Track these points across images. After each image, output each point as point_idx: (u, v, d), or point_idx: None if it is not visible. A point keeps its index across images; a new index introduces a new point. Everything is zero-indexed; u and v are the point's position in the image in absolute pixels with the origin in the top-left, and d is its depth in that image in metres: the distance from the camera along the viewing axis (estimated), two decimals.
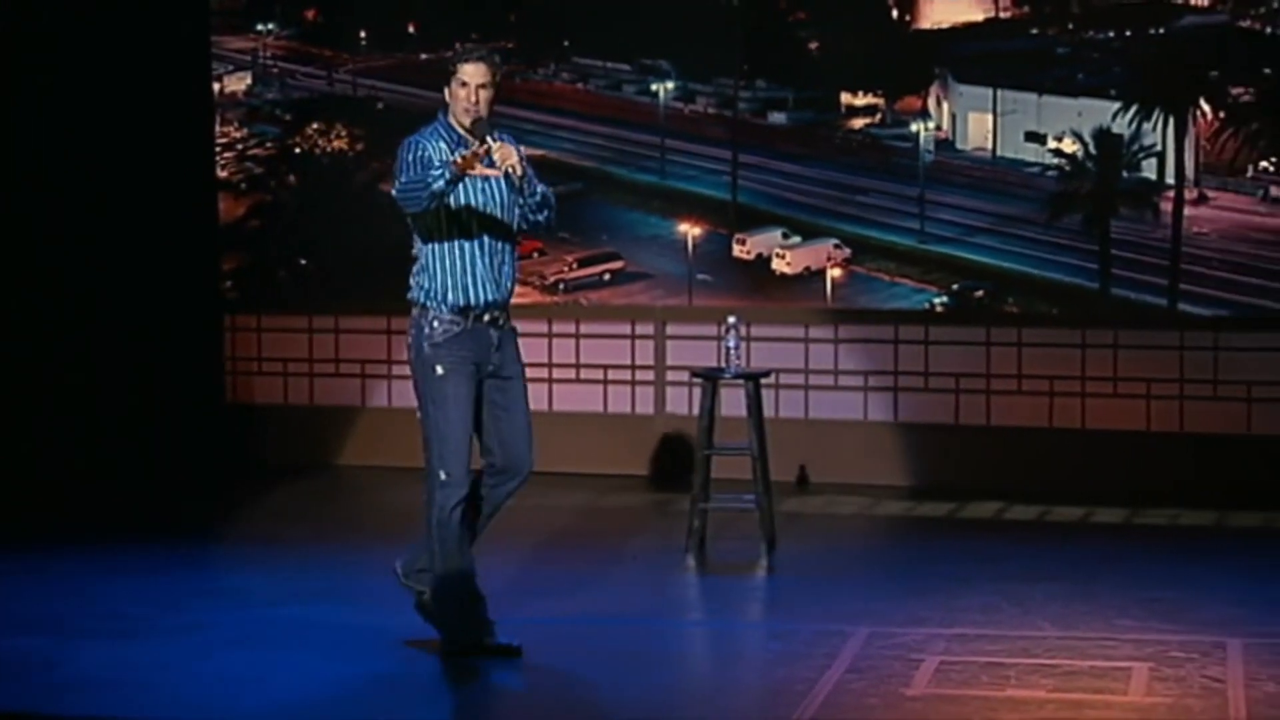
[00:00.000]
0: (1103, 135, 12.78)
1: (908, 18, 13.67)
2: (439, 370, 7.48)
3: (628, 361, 12.33)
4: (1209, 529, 10.61)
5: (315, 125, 13.29)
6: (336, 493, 11.85)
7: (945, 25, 13.89)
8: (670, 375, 12.20)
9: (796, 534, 10.18)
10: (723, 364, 10.02)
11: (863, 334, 12.08)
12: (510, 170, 7.28)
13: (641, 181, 15.07)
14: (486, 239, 7.49)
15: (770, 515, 9.78)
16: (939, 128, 14.06)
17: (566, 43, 13.74)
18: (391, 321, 12.66)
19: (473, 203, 7.46)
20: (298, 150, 13.26)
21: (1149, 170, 12.58)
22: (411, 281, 7.57)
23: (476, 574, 7.64)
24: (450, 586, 7.58)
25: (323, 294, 12.89)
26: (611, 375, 12.34)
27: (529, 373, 12.24)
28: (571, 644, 7.84)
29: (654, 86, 14.78)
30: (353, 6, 13.34)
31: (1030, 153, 13.36)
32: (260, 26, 13.42)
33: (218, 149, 12.98)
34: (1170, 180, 12.40)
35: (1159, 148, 12.56)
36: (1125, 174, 12.51)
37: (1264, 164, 13.06)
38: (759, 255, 13.19)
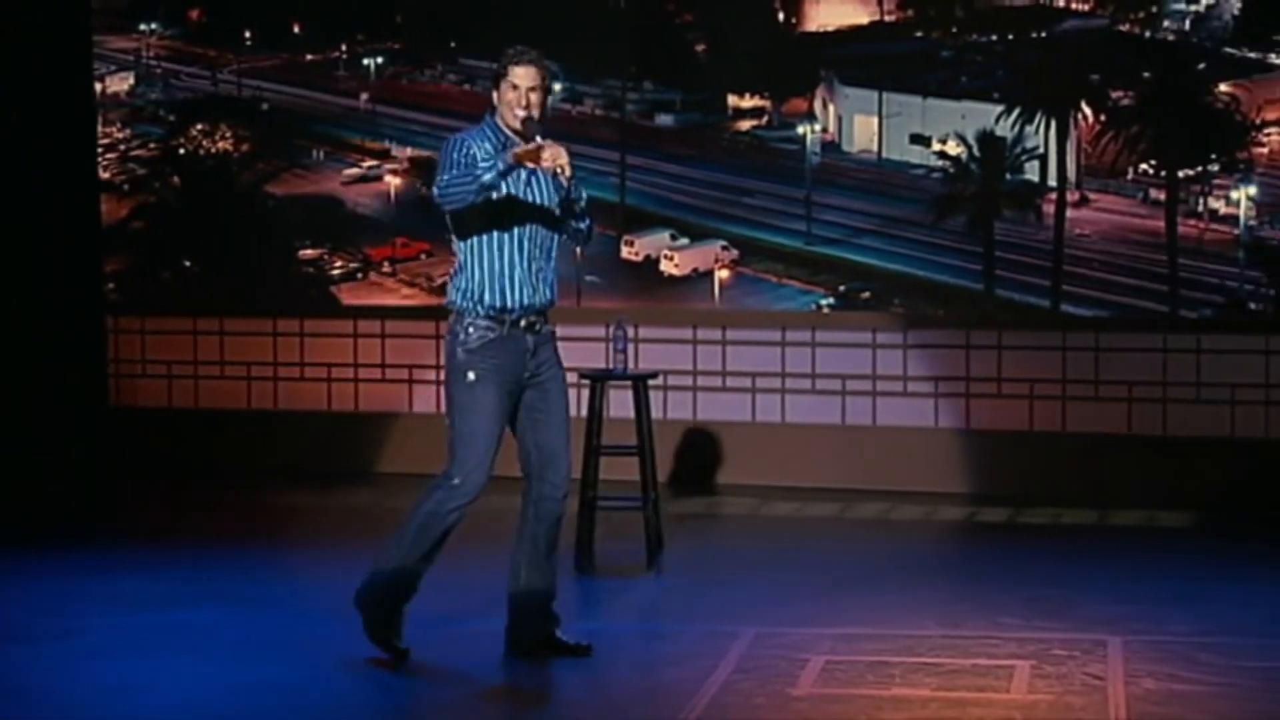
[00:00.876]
0: (986, 138, 12.89)
1: (793, 20, 13.74)
2: (470, 377, 7.35)
3: None
4: (1091, 528, 10.74)
5: (199, 126, 13.19)
6: (222, 496, 11.75)
7: (831, 28, 13.98)
8: None
9: (684, 535, 10.20)
10: (610, 365, 10.02)
11: (750, 336, 12.13)
12: (559, 171, 7.19)
13: None
14: (527, 243, 7.36)
15: (658, 517, 9.79)
16: (825, 130, 14.14)
17: (453, 44, 13.70)
18: (278, 324, 12.58)
19: (515, 205, 7.35)
20: (182, 151, 13.15)
21: (1032, 172, 12.72)
22: (449, 285, 7.46)
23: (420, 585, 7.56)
24: (396, 581, 7.47)
25: (207, 296, 12.80)
26: None
27: (414, 374, 12.29)
28: (457, 647, 7.81)
29: None
30: (237, 6, 13.25)
31: (915, 155, 13.45)
32: (143, 26, 13.30)
33: (100, 150, 12.84)
34: (1052, 182, 12.54)
35: (1041, 150, 12.70)
36: (1008, 176, 12.64)
37: (1144, 167, 13.22)
38: (647, 257, 13.21)
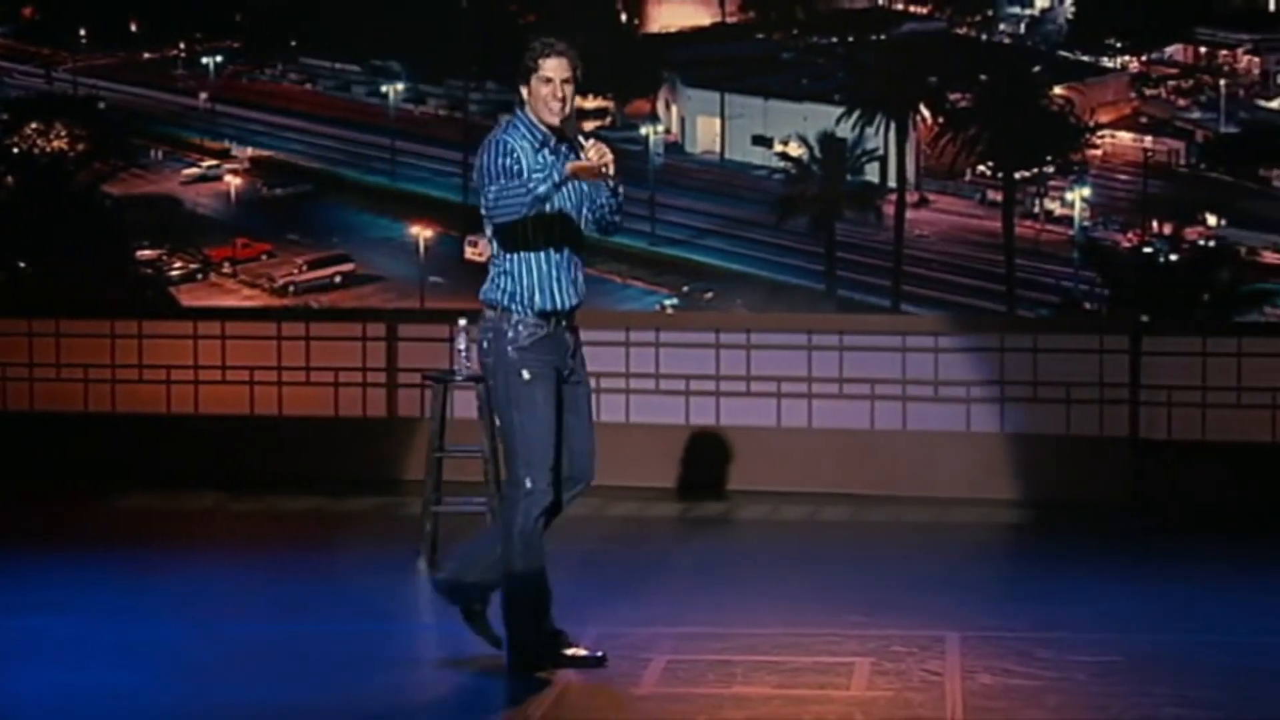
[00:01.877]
0: (827, 139, 12.99)
1: (636, 22, 13.78)
2: (525, 375, 7.23)
3: (359, 364, 12.23)
4: (931, 526, 10.86)
5: (34, 125, 13.00)
6: (60, 501, 11.57)
7: (673, 30, 14.03)
8: (402, 378, 12.12)
9: None
10: (454, 366, 9.98)
11: (595, 336, 12.08)
12: (605, 169, 7.11)
13: (372, 183, 15.04)
14: (567, 244, 7.27)
15: None
16: (668, 131, 14.18)
17: (294, 43, 13.60)
18: (115, 325, 12.42)
19: (562, 201, 7.24)
20: (15, 150, 12.96)
21: (872, 174, 12.87)
22: (490, 284, 7.30)
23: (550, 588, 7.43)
24: (527, 599, 7.33)
25: (43, 297, 12.60)
26: (342, 378, 12.23)
27: (256, 376, 12.19)
28: (304, 650, 7.76)
29: (384, 88, 14.70)
30: (72, 4, 13.05)
31: (757, 156, 13.52)
32: None
33: None
34: (892, 184, 12.67)
35: (881, 152, 12.83)
36: (849, 177, 12.77)
37: (981, 168, 13.41)
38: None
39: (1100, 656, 7.53)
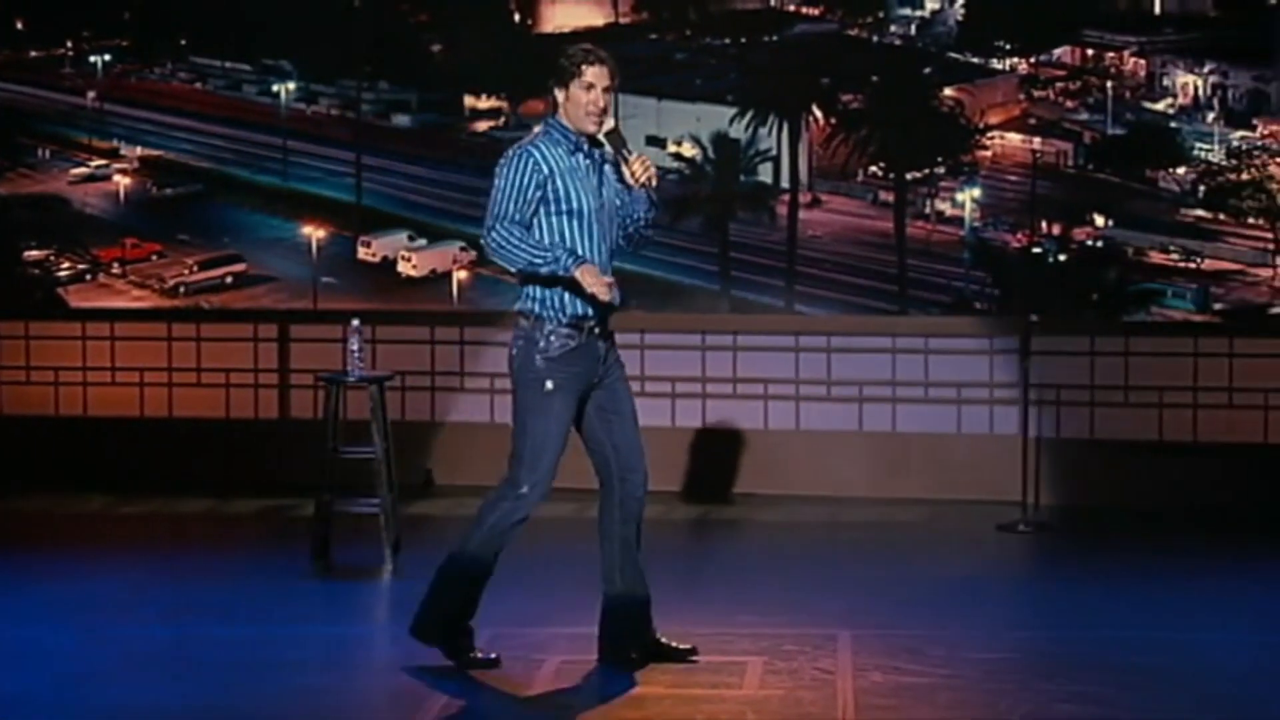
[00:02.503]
0: (720, 140, 13.03)
1: (530, 21, 13.77)
2: (549, 385, 7.19)
3: (251, 365, 12.15)
4: (824, 525, 10.92)
5: None
6: None
7: (567, 29, 14.03)
8: (294, 379, 12.06)
9: (424, 537, 10.15)
10: (347, 367, 9.93)
11: (489, 336, 12.12)
12: (648, 183, 7.10)
13: (263, 183, 14.92)
14: (604, 249, 7.20)
15: (395, 518, 9.74)
16: None
17: (184, 41, 13.48)
18: (1, 327, 12.28)
19: (590, 213, 7.16)
20: None
21: (765, 174, 12.91)
22: (521, 292, 7.23)
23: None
24: (463, 581, 7.35)
25: None
26: (234, 379, 12.15)
27: (146, 377, 12.09)
28: (195, 654, 7.71)
29: (275, 87, 14.62)
30: None
31: (651, 156, 13.50)
32: None
33: None
34: (785, 184, 12.72)
35: (774, 152, 12.89)
36: (743, 178, 12.79)
37: (874, 169, 13.49)
38: (384, 258, 13.14)
39: (991, 654, 7.60)
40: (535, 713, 6.87)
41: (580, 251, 7.12)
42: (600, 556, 7.57)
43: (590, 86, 7.14)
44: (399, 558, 9.66)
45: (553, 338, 7.18)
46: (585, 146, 7.19)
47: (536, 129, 7.32)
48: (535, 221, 7.16)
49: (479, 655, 7.40)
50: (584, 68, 7.14)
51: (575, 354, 7.21)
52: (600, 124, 7.16)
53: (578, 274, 7.01)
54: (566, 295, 7.16)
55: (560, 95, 7.20)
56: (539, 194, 7.13)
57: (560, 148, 7.16)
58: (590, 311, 7.19)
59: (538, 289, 7.18)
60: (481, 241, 7.18)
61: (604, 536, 7.59)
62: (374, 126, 13.50)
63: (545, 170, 7.11)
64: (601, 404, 7.40)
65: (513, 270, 7.18)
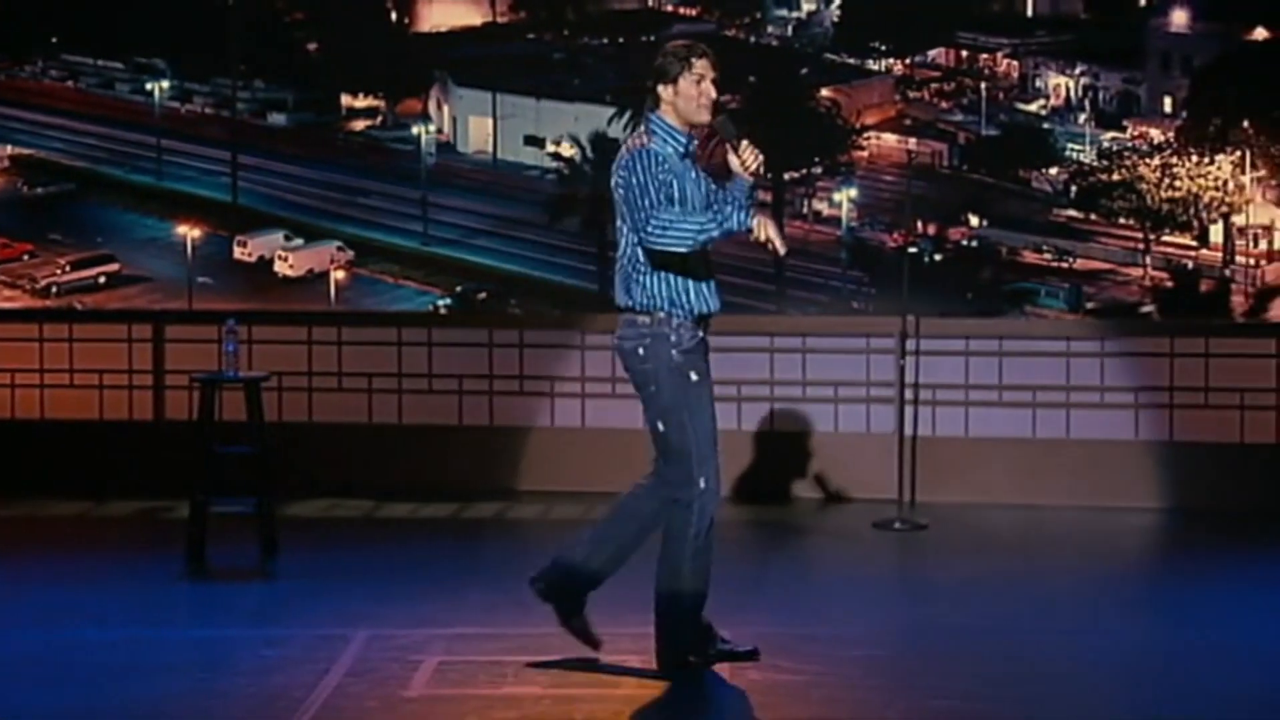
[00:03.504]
0: (599, 140, 13.06)
1: (407, 21, 13.73)
2: (694, 377, 7.17)
3: (125, 366, 12.02)
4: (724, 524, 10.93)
5: None
6: None
7: (444, 29, 13.99)
8: (170, 379, 11.94)
9: (299, 537, 10.09)
10: (223, 368, 9.86)
11: (366, 336, 12.06)
12: (757, 170, 7.11)
13: (137, 183, 14.80)
14: (705, 248, 7.20)
15: (271, 519, 9.68)
16: (440, 131, 14.15)
17: (55, 39, 13.33)
18: None
19: (701, 206, 7.19)
20: None
21: None
22: (638, 288, 7.17)
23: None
24: (691, 601, 7.27)
25: None
26: (108, 381, 12.01)
27: (17, 379, 11.94)
28: (67, 658, 7.62)
29: (149, 85, 14.46)
30: None
31: (530, 156, 13.54)
32: None
33: None
34: None
35: None
36: None
37: None
38: (261, 257, 13.05)
39: (867, 651, 7.65)
40: (411, 714, 6.84)
41: (702, 254, 7.16)
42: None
43: (700, 79, 7.21)
44: (275, 559, 9.59)
45: (682, 331, 7.19)
46: (689, 146, 7.23)
47: (639, 132, 7.32)
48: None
49: (735, 648, 7.38)
50: (693, 61, 7.20)
51: (700, 346, 7.25)
52: (712, 114, 7.21)
53: (755, 223, 7.04)
54: (692, 291, 7.19)
55: (667, 92, 7.23)
56: (668, 191, 7.18)
57: (670, 146, 7.21)
58: (709, 308, 7.24)
59: (663, 285, 7.18)
60: (644, 244, 7.12)
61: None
62: (250, 125, 13.42)
63: (669, 170, 7.17)
64: None
65: (680, 250, 7.08)
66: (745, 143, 7.22)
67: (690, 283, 7.20)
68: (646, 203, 7.09)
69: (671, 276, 7.19)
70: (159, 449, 11.66)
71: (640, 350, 7.24)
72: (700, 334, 7.24)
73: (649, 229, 7.06)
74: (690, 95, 7.21)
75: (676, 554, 7.30)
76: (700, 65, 7.19)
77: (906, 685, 7.16)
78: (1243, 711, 6.92)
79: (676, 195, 7.17)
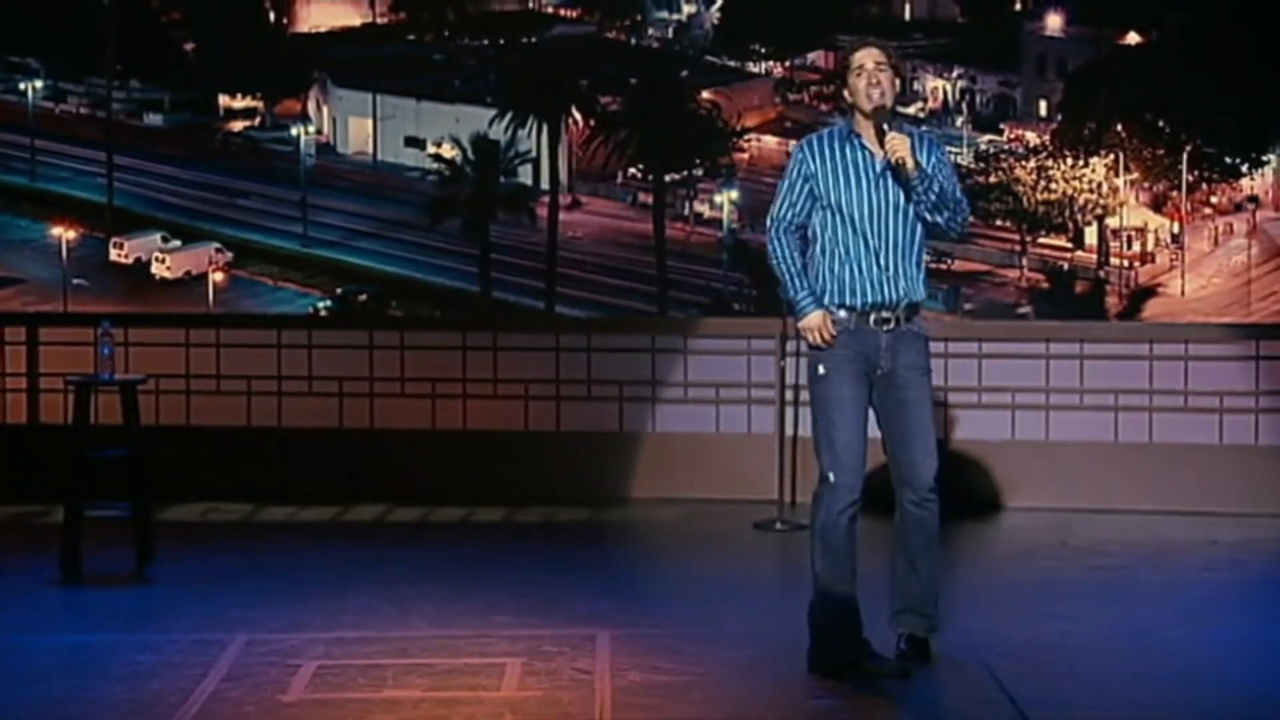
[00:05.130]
0: (480, 141, 13.04)
1: (285, 21, 13.62)
2: (821, 370, 7.22)
3: None
4: (585, 525, 10.95)
5: None
6: None
7: (323, 29, 13.90)
8: (45, 383, 11.78)
9: (176, 542, 10.00)
10: (98, 371, 9.73)
11: (245, 338, 11.95)
12: (900, 162, 7.08)
13: (10, 183, 14.60)
14: (873, 238, 7.20)
15: (147, 524, 9.57)
16: (320, 132, 14.07)
17: None
18: None
19: (862, 200, 7.19)
20: None
21: (525, 176, 12.94)
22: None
23: (856, 590, 7.26)
24: (830, 599, 7.18)
25: None
26: None
27: None
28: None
29: (22, 85, 14.25)
30: None
31: (411, 158, 13.50)
32: None
33: None
34: (545, 185, 12.73)
35: (534, 154, 12.89)
36: (502, 179, 12.80)
37: (633, 170, 13.55)
38: (138, 259, 12.92)
39: (748, 651, 7.67)
40: (289, 718, 6.79)
41: (849, 251, 7.24)
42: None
43: (860, 69, 7.27)
44: (151, 563, 9.49)
45: (829, 322, 7.29)
46: (858, 141, 7.26)
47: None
48: (812, 220, 7.32)
49: (886, 662, 7.29)
50: (852, 57, 7.29)
51: (844, 339, 7.26)
52: (878, 101, 7.23)
53: (801, 325, 7.28)
54: (830, 285, 7.30)
55: (847, 94, 7.35)
56: (808, 188, 7.31)
57: (835, 141, 7.29)
58: (857, 301, 7.25)
59: (812, 277, 7.35)
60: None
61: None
62: (125, 125, 13.29)
63: (811, 166, 7.28)
64: (885, 405, 7.34)
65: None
66: (890, 134, 7.21)
67: (833, 276, 7.33)
68: (775, 208, 7.39)
69: (820, 268, 7.36)
70: (33, 452, 11.50)
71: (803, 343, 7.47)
72: (839, 328, 7.26)
73: (768, 234, 7.39)
74: (857, 90, 7.32)
75: (810, 547, 7.35)
76: (857, 57, 7.31)
77: (786, 683, 7.19)
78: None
79: (821, 191, 7.34)
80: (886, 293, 7.27)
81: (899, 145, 7.16)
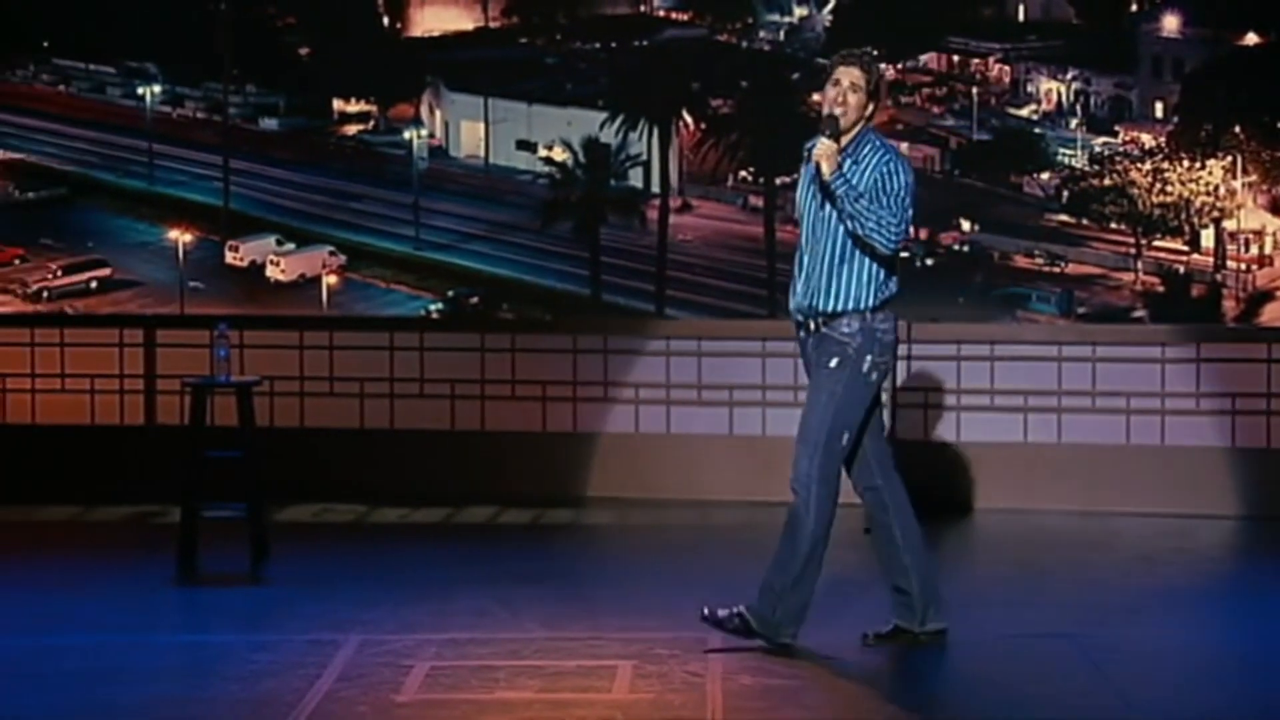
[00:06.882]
0: (591, 144, 13.04)
1: (399, 25, 13.71)
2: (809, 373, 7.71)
3: (116, 371, 12.00)
4: (694, 528, 10.94)
5: None
6: None
7: (436, 33, 13.99)
8: (162, 384, 11.92)
9: (290, 543, 10.08)
10: (213, 373, 9.84)
11: (358, 340, 12.04)
12: (825, 173, 7.38)
13: (129, 187, 14.79)
14: (809, 245, 7.56)
15: (262, 524, 9.66)
16: (432, 135, 14.13)
17: (46, 44, 13.31)
18: None
19: (803, 209, 7.57)
20: None
21: (636, 179, 12.93)
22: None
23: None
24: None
25: None
26: (99, 385, 11.99)
27: (9, 384, 11.90)
28: (53, 664, 7.61)
29: (140, 90, 14.44)
30: None
31: (522, 161, 13.53)
32: None
33: None
34: (656, 189, 12.73)
35: (645, 157, 12.90)
36: (613, 182, 12.79)
37: (743, 173, 13.53)
38: (253, 262, 13.02)
39: (858, 655, 7.64)
40: (404, 718, 6.83)
41: (795, 257, 7.69)
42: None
43: (836, 83, 7.54)
44: (266, 564, 9.58)
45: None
46: (806, 154, 7.53)
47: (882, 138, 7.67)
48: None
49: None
50: (837, 69, 7.57)
51: (799, 344, 7.75)
52: (836, 114, 7.49)
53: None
54: (790, 288, 7.75)
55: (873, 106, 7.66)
56: None
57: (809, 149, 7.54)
58: (791, 305, 7.69)
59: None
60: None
61: None
62: (241, 130, 13.42)
63: (800, 170, 7.64)
64: None
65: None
66: (823, 140, 7.47)
67: (792, 281, 7.78)
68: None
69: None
70: (150, 454, 11.64)
71: None
72: (800, 333, 7.70)
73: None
74: (825, 96, 7.64)
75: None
76: (835, 74, 7.55)
77: (902, 690, 7.15)
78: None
79: None
80: (799, 300, 7.63)
81: (821, 151, 7.42)
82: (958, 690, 7.22)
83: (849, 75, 7.53)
